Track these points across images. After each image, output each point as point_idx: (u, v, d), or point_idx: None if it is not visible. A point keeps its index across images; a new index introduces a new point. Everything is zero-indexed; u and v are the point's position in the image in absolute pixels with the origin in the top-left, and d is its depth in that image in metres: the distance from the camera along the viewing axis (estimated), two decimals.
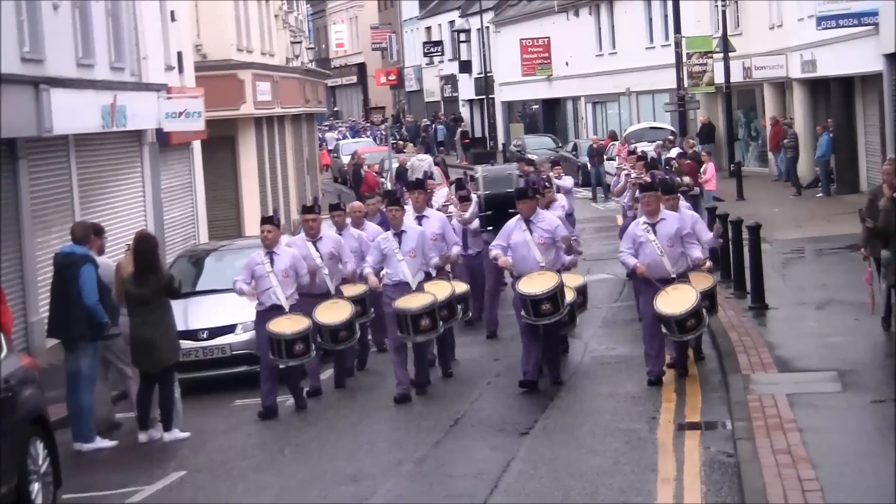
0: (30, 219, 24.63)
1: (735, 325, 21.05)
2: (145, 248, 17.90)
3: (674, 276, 18.03)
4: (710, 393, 17.30)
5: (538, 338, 18.42)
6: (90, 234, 18.22)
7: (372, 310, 20.48)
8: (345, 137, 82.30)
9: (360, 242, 20.59)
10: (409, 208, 20.75)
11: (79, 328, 17.39)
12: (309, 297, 19.13)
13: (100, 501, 14.81)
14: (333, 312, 19.34)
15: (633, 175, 26.32)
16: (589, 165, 52.29)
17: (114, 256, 20.32)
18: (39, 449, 13.97)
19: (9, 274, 22.86)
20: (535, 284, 18.07)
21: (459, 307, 19.78)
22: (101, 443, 17.55)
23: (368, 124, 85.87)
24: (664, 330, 17.82)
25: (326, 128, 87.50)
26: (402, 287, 18.78)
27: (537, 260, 18.34)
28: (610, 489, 13.39)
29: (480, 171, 25.02)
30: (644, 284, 18.55)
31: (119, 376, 18.84)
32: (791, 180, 44.80)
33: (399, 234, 19.02)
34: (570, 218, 26.03)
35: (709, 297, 18.77)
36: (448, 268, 20.39)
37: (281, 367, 18.43)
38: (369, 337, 21.96)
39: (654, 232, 18.19)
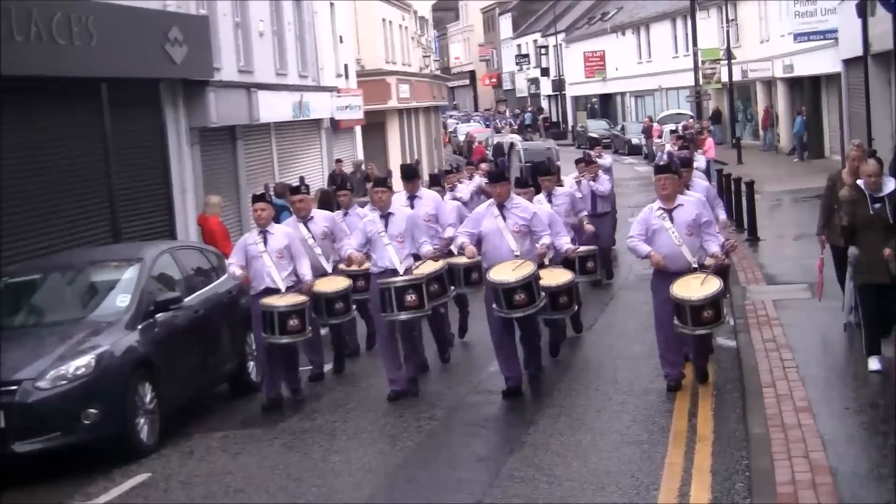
0: (245, 180, 24.87)
1: (736, 252, 20.76)
2: (327, 200, 17.79)
3: (695, 266, 11.79)
4: None
5: (512, 333, 12.45)
6: (286, 192, 18.36)
7: None
8: (478, 123, 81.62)
9: None
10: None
11: None
12: None
13: None
14: (331, 284, 13.65)
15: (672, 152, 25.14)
16: (644, 139, 52.10)
17: None
18: (251, 339, 14.01)
19: (231, 218, 23.08)
20: (509, 272, 12.05)
21: (457, 284, 14.15)
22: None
23: (496, 113, 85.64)
24: (676, 321, 11.63)
25: (448, 116, 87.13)
26: (389, 275, 12.57)
27: (511, 249, 12.33)
28: (647, 366, 13.30)
29: (520, 144, 22.57)
30: (659, 281, 12.02)
31: None
32: None
33: (386, 217, 12.83)
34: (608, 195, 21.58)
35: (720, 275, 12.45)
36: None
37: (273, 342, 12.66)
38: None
39: (671, 219, 11.91)
